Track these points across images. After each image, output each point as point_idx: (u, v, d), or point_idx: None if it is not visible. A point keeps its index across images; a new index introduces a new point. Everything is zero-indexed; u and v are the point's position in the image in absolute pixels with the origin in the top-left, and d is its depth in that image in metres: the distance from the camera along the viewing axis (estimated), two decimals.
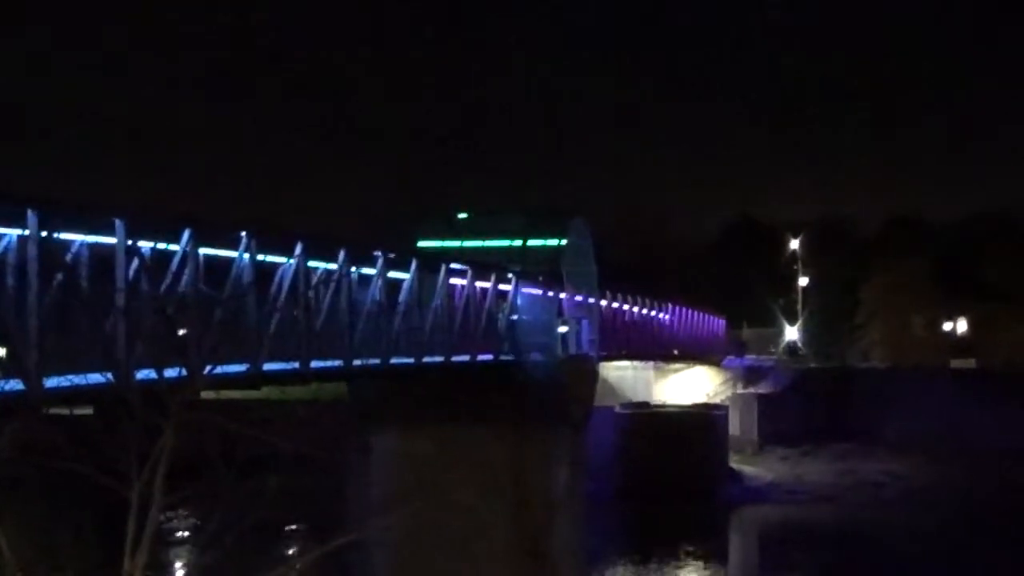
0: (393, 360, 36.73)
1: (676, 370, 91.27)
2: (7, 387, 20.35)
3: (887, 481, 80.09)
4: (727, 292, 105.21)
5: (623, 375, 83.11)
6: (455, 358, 40.83)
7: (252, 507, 16.53)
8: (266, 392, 34.11)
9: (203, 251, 26.87)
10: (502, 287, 45.12)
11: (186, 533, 51.76)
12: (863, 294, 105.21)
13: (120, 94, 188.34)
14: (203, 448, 17.66)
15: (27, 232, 21.42)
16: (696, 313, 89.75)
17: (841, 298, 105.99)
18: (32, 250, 21.33)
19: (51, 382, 21.12)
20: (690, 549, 61.35)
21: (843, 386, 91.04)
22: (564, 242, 52.23)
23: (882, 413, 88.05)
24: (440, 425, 43.95)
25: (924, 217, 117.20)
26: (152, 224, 25.68)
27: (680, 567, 58.54)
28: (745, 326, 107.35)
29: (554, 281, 49.54)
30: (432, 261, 41.19)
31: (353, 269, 34.29)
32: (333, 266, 33.38)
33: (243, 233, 28.60)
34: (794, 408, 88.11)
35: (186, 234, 26.14)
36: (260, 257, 29.24)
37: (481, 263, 45.05)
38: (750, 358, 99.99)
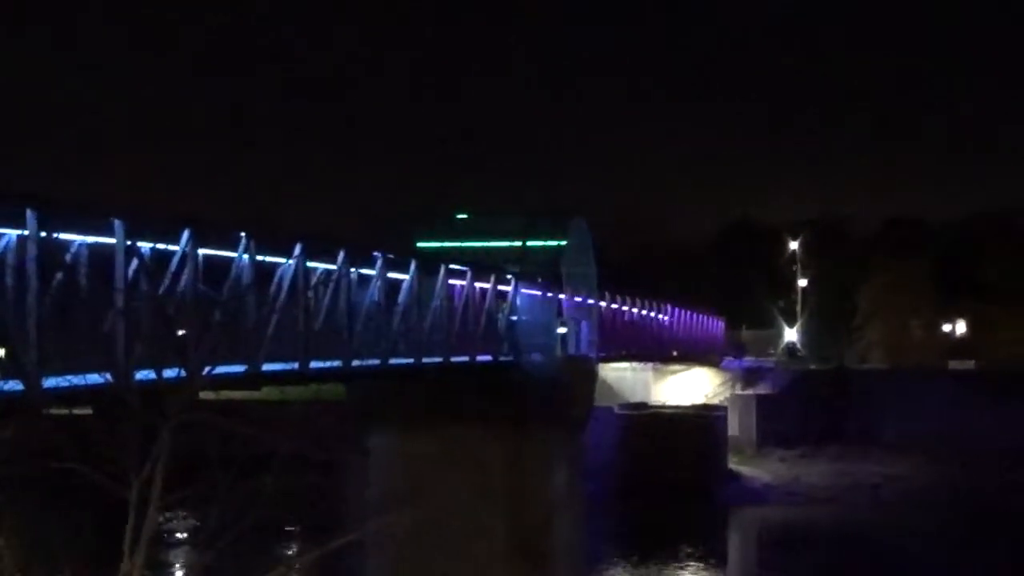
0: (392, 361, 36.73)
1: (675, 371, 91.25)
2: (6, 387, 20.36)
3: (885, 482, 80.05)
4: (726, 293, 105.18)
5: (622, 376, 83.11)
6: (454, 359, 40.84)
7: (251, 507, 16.52)
8: (265, 392, 34.17)
9: (202, 251, 26.88)
10: (501, 288, 45.13)
11: (185, 533, 51.77)
12: (862, 295, 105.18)
13: (120, 94, 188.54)
14: (202, 448, 17.67)
15: (26, 232, 21.42)
16: (695, 314, 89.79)
17: (840, 299, 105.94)
18: (31, 250, 21.32)
19: (50, 382, 21.10)
20: (689, 550, 61.29)
21: (842, 387, 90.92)
22: (564, 243, 52.27)
23: (881, 414, 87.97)
24: (439, 426, 43.97)
25: (923, 217, 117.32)
26: (151, 224, 25.67)
27: (679, 568, 58.48)
28: (744, 327, 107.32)
29: (553, 282, 49.56)
30: (431, 262, 41.20)
31: (352, 270, 34.30)
32: (332, 267, 33.39)
33: (242, 234, 28.61)
34: (793, 409, 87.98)
35: (185, 234, 26.15)
36: (259, 258, 29.25)
37: (480, 264, 45.07)
38: (749, 359, 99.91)
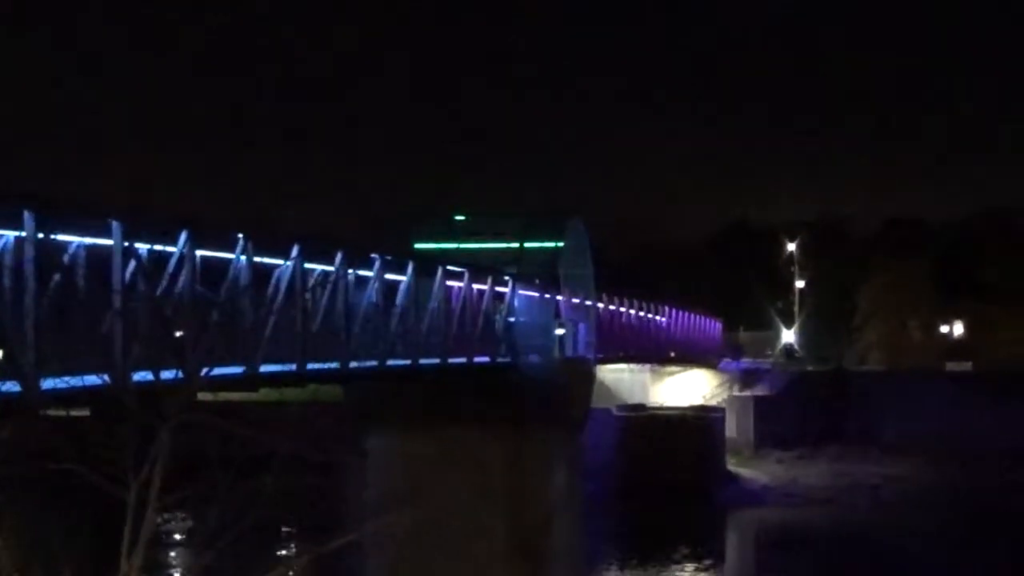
0: (390, 362, 36.72)
1: (673, 372, 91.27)
2: (4, 388, 20.34)
3: (885, 483, 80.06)
4: (724, 294, 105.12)
5: (620, 377, 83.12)
6: (452, 360, 40.83)
7: (250, 508, 16.52)
8: (263, 394, 34.11)
9: (200, 253, 26.87)
10: (499, 289, 45.13)
11: (183, 534, 51.75)
12: (862, 295, 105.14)
13: (120, 94, 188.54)
14: (200, 449, 17.66)
15: (24, 233, 21.40)
16: (693, 316, 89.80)
17: (839, 300, 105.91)
18: (29, 251, 21.31)
19: (48, 383, 21.09)
20: (687, 551, 61.31)
21: (840, 388, 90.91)
22: (561, 244, 52.27)
23: (879, 415, 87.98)
24: (437, 427, 43.98)
25: (923, 218, 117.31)
26: (149, 225, 25.66)
27: (677, 568, 58.50)
28: (742, 329, 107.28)
29: (551, 283, 49.55)
30: (429, 263, 41.19)
31: (350, 271, 34.29)
32: (330, 268, 33.39)
33: (240, 235, 28.59)
34: (791, 410, 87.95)
35: (183, 235, 26.14)
36: (257, 259, 29.24)
37: (478, 265, 45.06)
38: (747, 361, 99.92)
